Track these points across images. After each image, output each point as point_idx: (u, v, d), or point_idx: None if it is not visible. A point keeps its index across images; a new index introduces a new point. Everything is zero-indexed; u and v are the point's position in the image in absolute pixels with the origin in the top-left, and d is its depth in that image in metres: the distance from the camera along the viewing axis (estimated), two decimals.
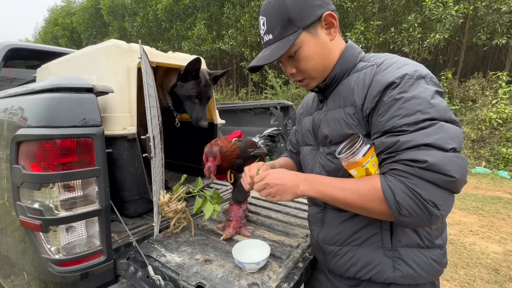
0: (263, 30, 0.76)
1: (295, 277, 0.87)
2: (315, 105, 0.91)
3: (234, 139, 1.24)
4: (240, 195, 1.24)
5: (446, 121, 0.59)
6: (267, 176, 0.78)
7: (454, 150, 0.57)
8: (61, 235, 0.92)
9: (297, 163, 1.16)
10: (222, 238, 1.13)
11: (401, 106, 0.61)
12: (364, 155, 0.66)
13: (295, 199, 1.20)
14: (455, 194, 0.60)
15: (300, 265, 0.94)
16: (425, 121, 0.59)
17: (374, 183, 0.65)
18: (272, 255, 0.99)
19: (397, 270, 0.71)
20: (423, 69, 0.65)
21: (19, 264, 1.04)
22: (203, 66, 1.66)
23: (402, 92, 0.61)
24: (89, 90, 0.95)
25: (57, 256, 0.91)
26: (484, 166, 5.76)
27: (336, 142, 0.76)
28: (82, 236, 0.96)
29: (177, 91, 1.48)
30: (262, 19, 0.76)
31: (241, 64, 10.53)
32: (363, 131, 0.70)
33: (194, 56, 1.43)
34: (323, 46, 0.75)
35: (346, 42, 0.81)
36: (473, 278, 2.28)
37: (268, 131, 1.61)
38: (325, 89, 0.82)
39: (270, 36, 0.75)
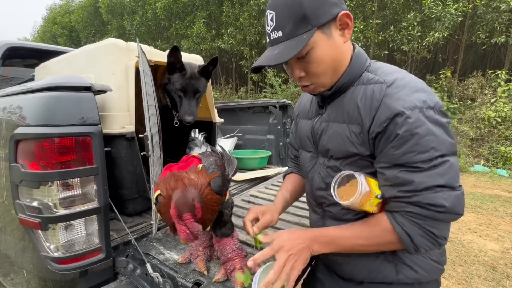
0: (270, 26, 0.68)
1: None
2: (313, 109, 0.86)
3: (199, 166, 0.83)
4: (229, 226, 0.91)
5: (453, 154, 0.64)
6: (278, 244, 0.71)
7: (459, 186, 0.63)
8: (60, 233, 0.93)
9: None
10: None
11: (417, 142, 0.61)
12: (364, 199, 0.68)
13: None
14: None
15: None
16: (437, 158, 0.61)
17: (385, 225, 0.68)
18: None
19: (400, 273, 0.74)
20: (432, 98, 0.64)
21: (19, 262, 1.05)
22: (200, 62, 1.67)
23: (416, 128, 0.61)
24: (88, 88, 0.95)
25: (56, 254, 0.92)
26: (483, 165, 5.78)
27: (337, 157, 0.75)
28: (81, 234, 0.97)
29: (167, 86, 1.45)
30: (270, 13, 0.68)
31: (240, 63, 10.52)
32: (366, 151, 0.70)
33: (193, 55, 1.43)
34: (336, 48, 0.69)
35: (353, 46, 0.77)
36: (471, 276, 2.30)
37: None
38: (329, 97, 0.78)
39: (280, 33, 0.67)
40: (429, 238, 0.63)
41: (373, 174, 0.72)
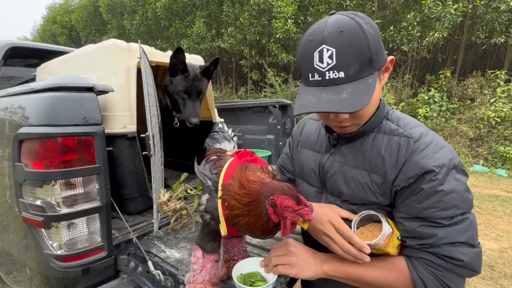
0: (327, 63, 0.60)
1: None
2: (322, 143, 0.83)
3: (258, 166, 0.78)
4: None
5: (471, 211, 0.65)
6: (289, 242, 0.73)
7: (478, 244, 0.64)
8: (63, 231, 0.94)
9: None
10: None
11: (441, 199, 0.62)
12: (387, 240, 0.67)
13: None
14: None
15: None
16: (458, 216, 0.63)
17: (401, 267, 0.67)
18: (262, 249, 1.01)
19: None
20: (455, 157, 0.66)
21: (22, 260, 1.06)
22: (200, 62, 1.68)
23: (441, 185, 0.62)
24: (90, 89, 0.97)
25: (59, 252, 0.93)
26: (482, 165, 5.80)
27: (354, 203, 0.73)
28: (84, 233, 0.98)
29: (168, 88, 1.45)
30: (329, 50, 0.59)
31: (240, 62, 10.53)
32: (386, 201, 0.70)
33: (193, 55, 1.44)
34: (379, 92, 0.68)
35: None
36: None
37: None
38: (346, 138, 0.75)
39: (341, 74, 0.60)
40: None
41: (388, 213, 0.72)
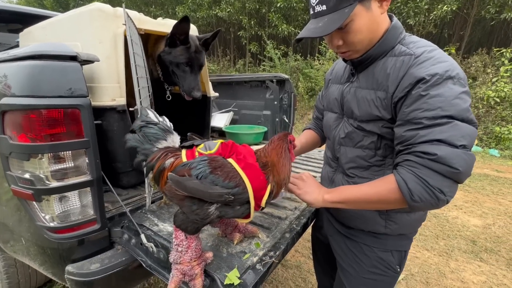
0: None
1: (281, 246, 0.92)
2: (346, 75, 0.95)
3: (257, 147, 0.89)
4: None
5: (463, 120, 0.65)
6: (305, 173, 0.93)
7: (463, 147, 0.64)
8: (55, 204, 0.94)
9: (321, 135, 1.20)
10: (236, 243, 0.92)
11: (425, 101, 0.67)
12: None
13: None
14: (458, 184, 0.68)
15: (287, 235, 0.99)
16: (443, 117, 0.65)
17: (387, 179, 0.74)
18: (261, 226, 1.03)
19: (387, 228, 0.88)
20: (453, 69, 0.68)
21: (17, 231, 1.08)
22: (194, 32, 1.58)
23: (428, 89, 0.67)
24: (73, 58, 0.91)
25: (52, 224, 0.94)
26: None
27: (362, 120, 0.83)
28: (76, 206, 0.98)
29: (164, 58, 1.37)
30: None
31: (239, 33, 10.06)
32: (387, 115, 0.77)
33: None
34: (373, 20, 0.75)
35: (390, 17, 0.82)
36: (452, 249, 2.44)
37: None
38: (359, 64, 0.85)
39: (324, 7, 0.73)
40: (424, 186, 0.66)
41: (391, 148, 0.81)
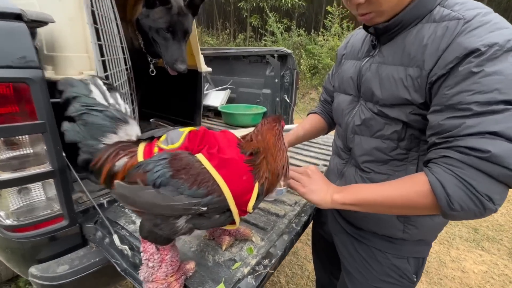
0: None
1: (278, 252, 0.78)
2: (365, 49, 0.77)
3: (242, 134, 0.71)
4: None
5: None
6: (310, 167, 0.79)
7: None
8: (10, 199, 0.79)
9: (328, 121, 1.04)
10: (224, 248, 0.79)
11: (477, 80, 0.50)
12: None
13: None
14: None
15: (285, 237, 0.85)
16: (500, 103, 0.48)
17: (416, 178, 0.58)
18: (255, 226, 0.89)
19: (406, 233, 0.74)
20: None
21: None
22: None
23: (483, 65, 0.50)
24: (18, 17, 0.71)
25: (8, 222, 0.80)
26: None
27: (385, 104, 0.66)
28: (37, 200, 0.84)
29: (143, 22, 1.14)
30: None
31: (239, 4, 9.43)
32: (420, 99, 0.60)
33: None
34: None
35: None
36: (453, 236, 2.38)
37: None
38: (384, 32, 0.67)
39: None
40: (468, 191, 0.50)
41: (418, 139, 0.65)
